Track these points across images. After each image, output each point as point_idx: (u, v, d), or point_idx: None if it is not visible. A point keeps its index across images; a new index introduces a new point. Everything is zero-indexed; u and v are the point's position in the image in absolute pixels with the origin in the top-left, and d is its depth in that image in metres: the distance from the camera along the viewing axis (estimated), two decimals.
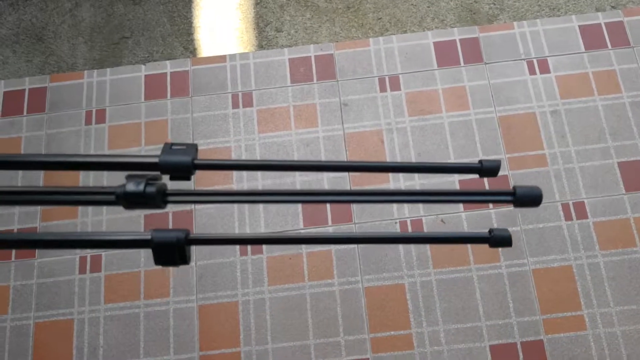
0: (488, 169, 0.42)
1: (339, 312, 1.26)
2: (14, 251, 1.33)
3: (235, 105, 1.47)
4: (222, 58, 1.52)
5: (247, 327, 1.26)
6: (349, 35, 2.02)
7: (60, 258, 1.32)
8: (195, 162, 0.35)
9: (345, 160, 1.44)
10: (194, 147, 0.36)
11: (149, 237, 0.34)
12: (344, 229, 1.28)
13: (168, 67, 1.52)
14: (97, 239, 0.35)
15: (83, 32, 1.98)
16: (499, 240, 0.39)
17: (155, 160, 0.34)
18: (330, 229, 1.31)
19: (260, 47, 1.98)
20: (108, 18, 1.98)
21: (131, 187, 0.32)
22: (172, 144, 0.36)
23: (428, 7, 1.91)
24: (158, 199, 0.32)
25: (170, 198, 0.33)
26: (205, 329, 1.26)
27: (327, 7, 1.98)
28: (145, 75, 1.50)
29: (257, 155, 1.35)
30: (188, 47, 1.95)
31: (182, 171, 0.34)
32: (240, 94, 1.48)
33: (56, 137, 1.42)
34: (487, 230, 0.40)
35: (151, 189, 0.32)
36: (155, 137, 1.39)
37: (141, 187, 0.32)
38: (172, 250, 0.35)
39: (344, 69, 1.49)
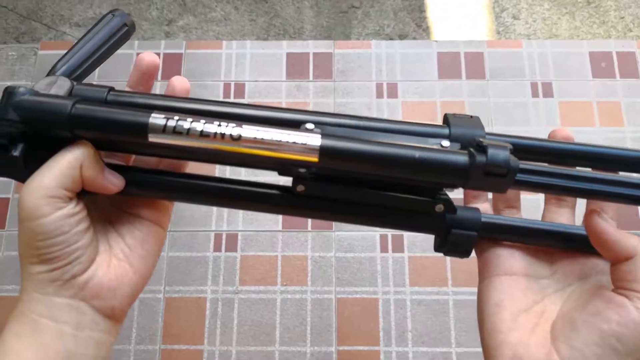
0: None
1: None
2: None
3: (534, 94, 1.40)
4: (517, 43, 1.45)
5: None
6: (590, 31, 1.94)
7: (359, 233, 1.27)
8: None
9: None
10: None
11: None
12: None
13: (461, 47, 1.45)
14: None
15: None
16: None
17: None
18: None
19: (497, 33, 1.90)
20: None
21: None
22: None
23: None
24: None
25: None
26: None
27: None
28: (438, 53, 1.43)
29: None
30: (420, 24, 1.88)
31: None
32: (539, 82, 1.41)
33: (348, 106, 1.37)
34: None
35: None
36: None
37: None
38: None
39: None
